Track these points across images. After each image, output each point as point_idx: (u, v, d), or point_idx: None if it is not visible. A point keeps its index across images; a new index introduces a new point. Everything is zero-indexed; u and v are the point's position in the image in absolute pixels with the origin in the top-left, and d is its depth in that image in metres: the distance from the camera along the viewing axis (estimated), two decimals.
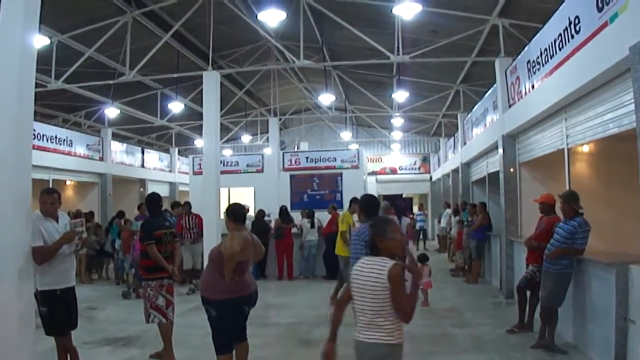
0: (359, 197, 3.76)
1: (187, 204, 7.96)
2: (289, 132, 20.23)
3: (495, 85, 7.71)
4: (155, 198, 4.51)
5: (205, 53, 9.06)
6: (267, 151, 14.86)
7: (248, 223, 9.30)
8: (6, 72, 3.20)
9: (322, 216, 9.79)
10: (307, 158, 12.66)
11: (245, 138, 17.11)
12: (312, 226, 9.37)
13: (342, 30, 8.08)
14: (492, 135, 7.98)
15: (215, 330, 3.36)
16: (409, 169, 18.53)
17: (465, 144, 11.60)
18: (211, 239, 7.36)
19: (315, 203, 11.68)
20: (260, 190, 12.54)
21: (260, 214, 9.46)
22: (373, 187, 17.57)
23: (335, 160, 12.46)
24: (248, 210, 10.21)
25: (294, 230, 9.30)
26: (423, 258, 6.81)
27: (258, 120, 16.75)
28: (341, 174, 12.30)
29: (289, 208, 9.80)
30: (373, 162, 18.66)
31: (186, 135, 17.47)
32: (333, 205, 9.33)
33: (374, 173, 18.38)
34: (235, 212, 3.53)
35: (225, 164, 12.85)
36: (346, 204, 11.36)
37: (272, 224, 9.49)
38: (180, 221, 7.65)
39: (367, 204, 3.43)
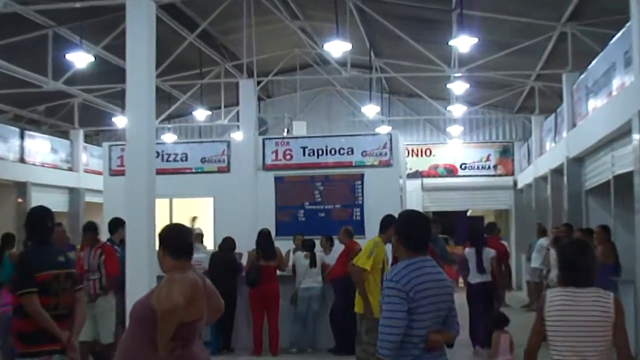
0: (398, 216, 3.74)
1: (90, 226, 7.61)
2: (273, 104, 20.55)
3: (629, 24, 7.72)
4: (40, 216, 4.52)
5: None
6: (237, 136, 14.95)
7: (201, 258, 9.47)
8: None
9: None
10: (304, 149, 12.79)
11: (200, 114, 17.31)
12: (312, 264, 9.44)
13: None
14: (623, 111, 8.01)
15: None
16: (479, 167, 18.77)
17: (574, 125, 11.68)
18: (138, 286, 7.32)
19: (316, 225, 11.79)
20: (225, 202, 12.68)
21: (227, 244, 9.53)
22: (416, 199, 17.85)
23: (353, 152, 12.56)
24: (201, 236, 10.80)
25: (280, 271, 9.44)
26: (500, 321, 6.86)
27: (222, 85, 16.91)
28: (362, 176, 12.40)
29: (272, 233, 9.76)
30: (417, 155, 18.93)
31: (98, 108, 17.59)
32: (347, 229, 9.31)
33: (417, 175, 18.65)
34: (175, 239, 3.55)
35: (166, 157, 13.06)
36: (370, 227, 11.53)
37: (244, 260, 9.56)
38: (80, 257, 7.52)
39: (411, 229, 3.37)
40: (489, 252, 8.83)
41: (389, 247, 6.33)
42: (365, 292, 6.39)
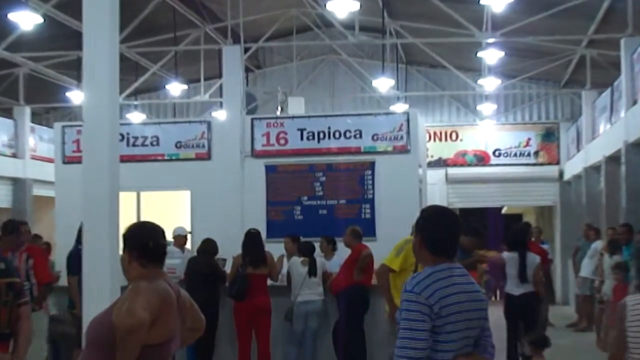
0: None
1: (9, 224, 7.76)
2: (265, 76, 20.66)
3: None
4: None
5: None
6: (219, 116, 15.10)
7: (175, 264, 9.49)
8: None
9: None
10: (301, 131, 12.86)
11: (175, 89, 17.43)
12: (312, 273, 9.44)
13: None
14: None
15: None
16: (516, 155, 18.83)
17: (635, 103, 11.70)
18: (97, 300, 7.31)
19: (316, 225, 11.81)
20: (205, 196, 12.75)
21: (208, 248, 9.59)
22: (439, 193, 17.89)
23: (361, 135, 12.65)
24: (184, 238, 10.83)
25: (272, 281, 9.50)
26: (540, 342, 6.87)
27: (201, 53, 16.99)
28: (372, 165, 12.50)
29: (262, 233, 9.73)
30: (440, 140, 18.99)
31: (49, 80, 17.63)
32: (355, 230, 9.41)
33: (440, 164, 18.72)
34: (142, 241, 3.57)
35: (132, 141, 13.12)
36: (382, 227, 11.86)
37: (228, 268, 9.63)
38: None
39: (437, 228, 3.37)
40: (534, 258, 8.81)
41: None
42: (392, 298, 6.46)
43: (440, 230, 3.44)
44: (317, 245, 9.81)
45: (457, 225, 3.52)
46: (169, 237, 10.78)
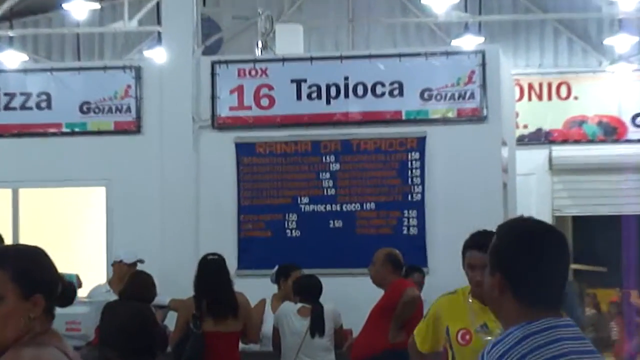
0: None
1: None
2: None
3: None
4: None
5: None
6: (155, 56, 15.11)
7: (78, 313, 9.60)
8: None
9: (348, 290, 10.01)
10: (298, 84, 12.96)
11: (78, 9, 17.50)
12: (316, 329, 9.57)
13: None
14: None
15: None
16: None
17: None
18: None
19: (324, 246, 12.05)
20: (131, 196, 12.91)
21: (137, 287, 9.53)
22: (538, 189, 18.21)
23: (402, 90, 12.72)
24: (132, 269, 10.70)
25: (248, 343, 9.78)
26: None
27: None
28: (422, 142, 12.58)
29: (230, 261, 9.89)
30: (539, 97, 19.17)
31: None
32: (390, 253, 9.79)
33: (541, 138, 18.89)
34: (46, 277, 3.60)
35: (5, 101, 13.22)
36: (438, 249, 11.77)
37: (171, 323, 9.88)
38: None
39: (531, 262, 3.32)
40: None
41: None
42: None
43: (536, 264, 3.45)
44: (325, 281, 9.93)
45: (566, 254, 3.54)
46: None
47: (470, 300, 6.44)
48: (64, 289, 3.63)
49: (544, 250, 3.49)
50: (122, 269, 10.69)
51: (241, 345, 9.43)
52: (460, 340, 6.28)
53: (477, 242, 5.85)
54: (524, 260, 3.45)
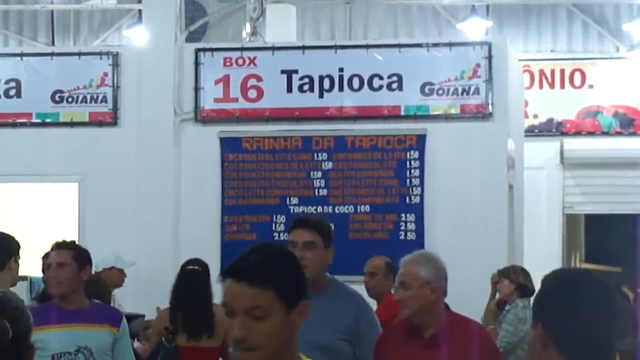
0: None
1: None
2: None
3: None
4: None
5: None
6: (134, 40, 15.21)
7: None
8: None
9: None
10: (289, 75, 13.01)
11: None
12: None
13: None
14: None
15: None
16: None
17: None
18: None
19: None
20: (105, 194, 12.96)
21: (104, 294, 9.50)
22: (548, 186, 18.17)
23: (401, 84, 12.74)
24: (120, 277, 10.65)
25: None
26: None
27: None
28: (422, 140, 12.60)
29: (212, 269, 9.70)
30: (551, 85, 19.16)
31: None
32: (388, 263, 9.99)
33: (552, 129, 18.82)
34: None
35: None
36: (432, 249, 11.62)
37: (144, 338, 10.23)
38: None
39: (584, 322, 3.51)
40: None
41: None
42: None
43: (578, 315, 3.41)
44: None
45: (614, 306, 3.55)
46: None
47: None
48: None
49: (587, 301, 3.51)
50: (115, 277, 10.67)
51: None
52: None
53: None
54: (564, 311, 3.51)
